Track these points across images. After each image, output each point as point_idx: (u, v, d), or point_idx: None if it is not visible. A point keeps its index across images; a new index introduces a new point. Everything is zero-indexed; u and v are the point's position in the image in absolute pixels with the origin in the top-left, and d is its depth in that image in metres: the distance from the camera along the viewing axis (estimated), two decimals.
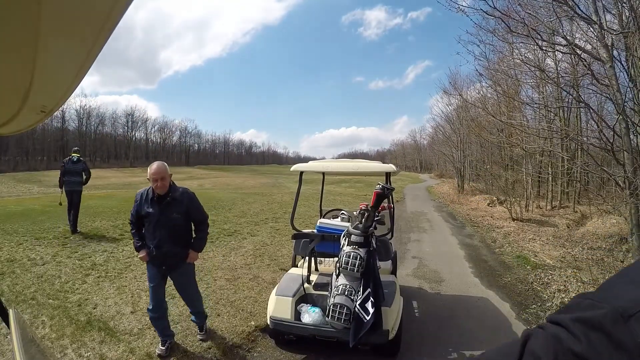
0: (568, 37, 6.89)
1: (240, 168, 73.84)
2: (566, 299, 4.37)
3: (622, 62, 6.44)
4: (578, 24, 7.52)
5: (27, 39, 0.33)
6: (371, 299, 2.60)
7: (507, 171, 14.06)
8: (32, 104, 0.48)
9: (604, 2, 6.43)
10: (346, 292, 2.65)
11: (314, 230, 3.84)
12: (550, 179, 12.32)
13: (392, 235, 3.74)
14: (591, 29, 6.46)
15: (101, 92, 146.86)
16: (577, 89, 7.90)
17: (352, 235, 2.83)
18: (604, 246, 6.99)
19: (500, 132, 12.45)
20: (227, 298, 4.06)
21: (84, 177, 6.69)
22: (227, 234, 7.26)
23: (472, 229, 9.63)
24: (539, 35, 6.56)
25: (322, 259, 3.74)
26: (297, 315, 2.89)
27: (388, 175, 3.53)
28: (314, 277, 3.29)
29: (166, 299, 3.02)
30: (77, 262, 5.01)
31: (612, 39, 6.18)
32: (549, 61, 10.58)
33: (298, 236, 3.67)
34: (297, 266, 3.74)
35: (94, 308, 3.64)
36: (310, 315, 2.83)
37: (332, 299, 2.68)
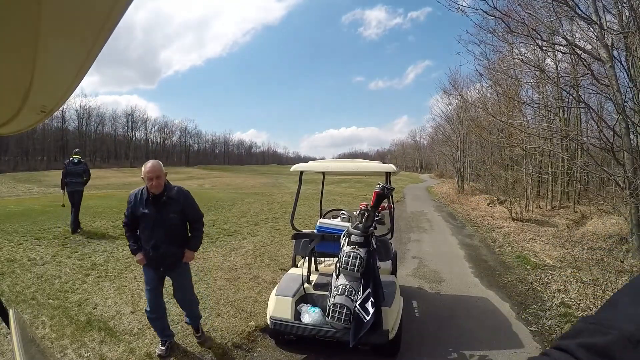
0: (568, 37, 6.90)
1: (240, 168, 73.83)
2: (566, 299, 4.37)
3: (622, 62, 6.45)
4: (578, 24, 7.52)
5: (27, 39, 0.33)
6: (371, 299, 2.59)
7: (507, 171, 14.06)
8: (32, 104, 0.48)
9: (604, 2, 6.43)
10: (346, 292, 2.65)
11: (314, 230, 3.83)
12: (550, 179, 12.32)
13: (392, 235, 3.74)
14: (591, 29, 6.47)
15: (101, 92, 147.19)
16: (577, 89, 7.90)
17: (352, 235, 2.83)
18: (604, 246, 6.99)
19: (500, 132, 12.45)
20: (227, 298, 4.06)
21: (84, 178, 6.80)
22: (227, 234, 7.26)
23: (472, 229, 9.63)
24: (539, 35, 6.57)
25: (322, 259, 3.74)
26: (297, 315, 2.89)
27: (388, 175, 3.54)
28: (314, 277, 3.29)
29: (165, 299, 3.00)
30: (77, 262, 5.01)
31: (612, 39, 6.18)
32: (549, 61, 10.59)
33: (298, 236, 3.67)
34: (297, 266, 3.74)
35: (94, 308, 3.64)
36: (310, 315, 2.83)
37: (332, 299, 2.68)
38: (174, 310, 3.51)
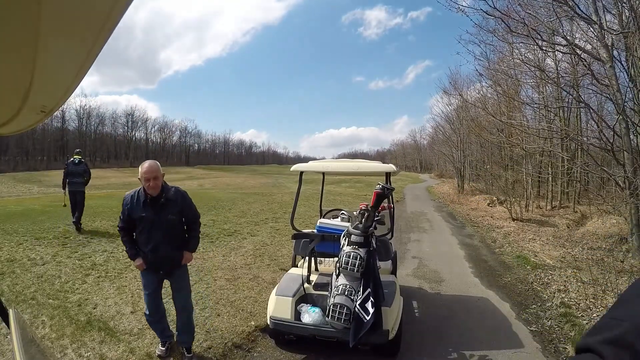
0: (568, 37, 6.90)
1: (240, 168, 73.84)
2: (566, 299, 4.37)
3: (622, 62, 6.45)
4: (578, 24, 7.53)
5: (27, 39, 0.33)
6: (371, 299, 2.60)
7: (507, 171, 14.06)
8: (32, 104, 0.48)
9: (604, 2, 6.43)
10: (346, 292, 2.65)
11: (314, 230, 3.84)
12: (550, 179, 12.32)
13: (392, 235, 3.74)
14: (591, 29, 6.47)
15: (101, 92, 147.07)
16: (577, 89, 7.90)
17: (352, 235, 2.84)
18: (604, 246, 6.99)
19: (500, 132, 12.45)
20: (227, 298, 4.06)
21: (85, 178, 6.91)
22: (227, 234, 7.26)
23: (472, 229, 9.63)
24: (539, 35, 6.57)
25: (322, 259, 3.74)
26: (297, 315, 2.89)
27: (388, 175, 3.54)
28: (314, 277, 3.29)
29: (163, 300, 2.96)
30: (77, 262, 5.01)
31: (612, 39, 6.18)
32: (549, 61, 10.59)
33: (298, 236, 3.67)
34: (297, 266, 3.74)
35: (94, 308, 3.64)
36: (310, 315, 2.83)
37: (332, 299, 2.68)
38: (173, 311, 3.50)
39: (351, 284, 2.69)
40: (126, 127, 76.03)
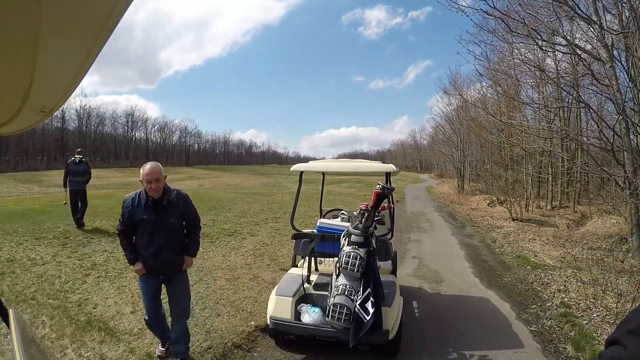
0: (568, 37, 6.90)
1: (240, 168, 73.84)
2: (566, 299, 4.37)
3: (622, 62, 6.45)
4: (578, 24, 7.53)
5: (27, 39, 0.33)
6: (371, 299, 2.60)
7: (507, 171, 14.06)
8: (32, 104, 0.48)
9: (604, 2, 6.43)
10: (346, 292, 2.65)
11: (314, 230, 3.84)
12: (550, 179, 12.32)
13: (392, 235, 3.74)
14: (591, 29, 6.47)
15: (101, 92, 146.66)
16: (577, 89, 7.90)
17: (352, 235, 2.84)
18: (604, 246, 6.99)
19: (500, 132, 12.45)
20: (227, 298, 4.06)
21: (85, 177, 7.03)
22: (227, 234, 7.26)
23: (472, 229, 9.63)
24: (539, 35, 6.57)
25: (322, 259, 3.74)
26: (297, 315, 2.89)
27: (388, 175, 3.54)
28: (314, 277, 3.29)
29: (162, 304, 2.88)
30: (77, 262, 5.01)
31: (612, 39, 6.19)
32: (549, 61, 10.60)
33: (298, 236, 3.67)
34: (297, 266, 3.75)
35: (94, 308, 3.64)
36: (310, 315, 2.83)
37: (332, 299, 2.68)
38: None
39: (351, 284, 2.69)
40: (126, 127, 76.07)
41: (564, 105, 11.29)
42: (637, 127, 6.11)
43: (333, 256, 3.27)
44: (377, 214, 2.96)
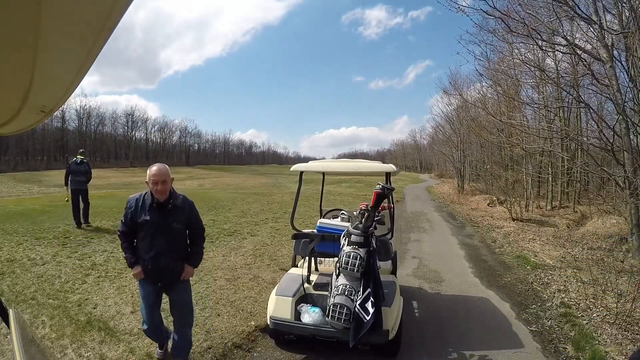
0: (568, 37, 6.90)
1: (240, 168, 73.84)
2: (566, 299, 4.37)
3: (622, 62, 6.45)
4: (578, 24, 7.53)
5: (27, 39, 0.33)
6: (371, 299, 2.60)
7: (507, 171, 14.06)
8: (32, 104, 0.48)
9: (604, 2, 6.43)
10: (346, 292, 2.65)
11: (314, 230, 3.84)
12: (550, 179, 12.32)
13: (392, 235, 3.74)
14: (591, 29, 6.47)
15: (101, 92, 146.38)
16: (577, 89, 7.90)
17: (352, 235, 2.84)
18: (604, 246, 6.99)
19: (500, 132, 12.45)
20: (227, 298, 4.06)
21: (86, 177, 7.19)
22: (227, 234, 7.26)
23: (472, 229, 9.63)
24: (539, 35, 6.57)
25: (322, 259, 3.74)
26: (297, 315, 2.89)
27: (388, 175, 3.54)
28: (314, 277, 3.29)
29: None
30: (77, 262, 5.01)
31: (612, 39, 6.19)
32: (549, 61, 10.60)
33: (298, 236, 3.67)
34: (297, 266, 3.75)
35: (94, 308, 3.64)
36: (310, 315, 2.83)
37: (332, 299, 2.68)
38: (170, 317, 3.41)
39: (351, 284, 2.69)
40: (126, 127, 75.98)
41: (564, 105, 11.29)
42: (637, 127, 6.11)
43: (333, 256, 3.27)
44: (377, 214, 2.96)
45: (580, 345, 3.22)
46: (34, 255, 5.20)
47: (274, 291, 3.15)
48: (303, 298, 3.06)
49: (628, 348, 3.18)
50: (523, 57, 9.32)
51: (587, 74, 6.80)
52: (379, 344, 2.74)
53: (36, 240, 5.97)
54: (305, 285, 3.14)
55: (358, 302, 2.60)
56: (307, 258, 3.34)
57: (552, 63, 10.44)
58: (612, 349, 3.16)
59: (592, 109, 6.92)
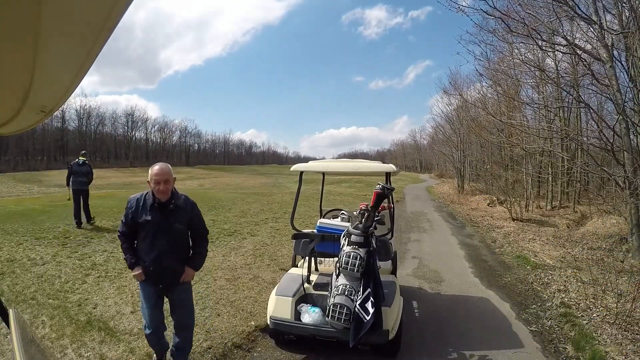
0: (568, 37, 6.90)
1: (240, 168, 73.84)
2: (566, 299, 4.37)
3: (622, 62, 6.45)
4: (578, 24, 7.53)
5: (27, 39, 0.33)
6: (371, 299, 2.60)
7: (507, 171, 14.07)
8: (32, 104, 0.48)
9: (604, 2, 6.44)
10: (346, 292, 2.65)
11: (314, 230, 3.84)
12: (550, 179, 12.33)
13: (392, 235, 3.74)
14: (591, 29, 6.47)
15: (101, 92, 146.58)
16: (577, 89, 7.90)
17: (352, 235, 2.84)
18: (604, 246, 6.99)
19: (500, 132, 12.45)
20: (227, 298, 4.06)
21: (88, 178, 7.35)
22: (227, 234, 7.26)
23: (472, 229, 9.63)
24: (539, 35, 6.57)
25: (322, 259, 3.74)
26: (297, 315, 2.89)
27: (388, 175, 3.54)
28: (314, 277, 3.29)
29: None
30: (77, 262, 5.01)
31: (612, 39, 6.19)
32: (549, 61, 10.60)
33: (298, 236, 3.67)
34: (297, 266, 3.75)
35: (94, 308, 3.64)
36: (310, 315, 2.83)
37: (332, 299, 2.68)
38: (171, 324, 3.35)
39: (351, 284, 2.69)
40: (126, 127, 76.04)
41: (564, 105, 11.29)
42: (637, 127, 6.11)
43: (333, 256, 3.27)
44: (377, 214, 2.96)
45: (580, 345, 3.22)
46: (34, 255, 5.20)
47: (274, 291, 3.15)
48: (303, 298, 3.06)
49: (628, 348, 3.18)
50: (523, 57, 9.32)
51: (587, 74, 6.80)
52: (379, 344, 2.74)
53: (36, 240, 5.98)
54: (305, 285, 3.14)
55: (358, 302, 2.60)
56: (307, 258, 3.34)
57: (552, 63, 10.45)
58: (612, 349, 3.16)
59: (592, 109, 6.93)
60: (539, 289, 4.81)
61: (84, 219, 7.16)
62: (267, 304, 3.19)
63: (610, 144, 5.78)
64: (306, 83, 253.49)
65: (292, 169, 4.07)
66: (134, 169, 51.79)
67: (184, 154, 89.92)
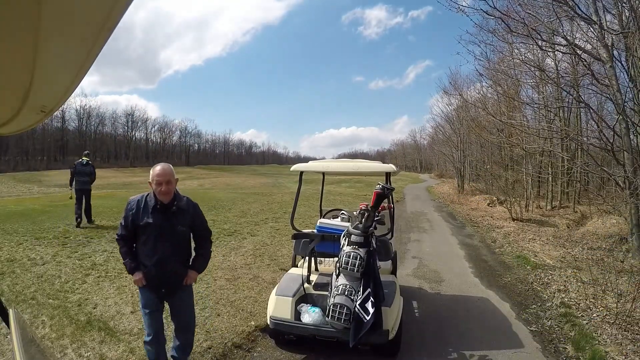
0: (568, 37, 6.90)
1: (240, 168, 73.81)
2: (566, 299, 4.37)
3: (622, 62, 6.45)
4: (578, 24, 7.53)
5: (27, 39, 0.33)
6: (371, 299, 2.60)
7: (507, 171, 14.07)
8: (32, 104, 0.48)
9: (604, 2, 6.43)
10: (346, 292, 2.65)
11: (314, 230, 3.84)
12: (550, 179, 12.32)
13: (392, 235, 3.74)
14: (591, 29, 6.47)
15: (101, 92, 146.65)
16: (577, 89, 7.90)
17: (352, 235, 2.84)
18: (604, 246, 6.99)
19: (500, 132, 12.45)
20: (227, 298, 4.06)
21: (90, 178, 7.46)
22: (227, 234, 7.25)
23: (472, 229, 9.63)
24: (539, 35, 6.57)
25: (322, 259, 3.74)
26: (297, 315, 2.89)
27: (388, 175, 3.54)
28: (314, 277, 3.29)
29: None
30: (77, 262, 5.01)
31: (612, 39, 6.19)
32: (549, 61, 10.60)
33: (298, 236, 3.67)
34: (297, 266, 3.75)
35: (94, 308, 3.64)
36: (310, 315, 2.83)
37: (332, 299, 2.68)
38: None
39: (351, 284, 2.69)
40: (126, 127, 76.00)
41: (564, 105, 11.29)
42: (637, 127, 6.11)
43: (333, 256, 3.27)
44: (377, 214, 2.97)
45: (580, 345, 3.22)
46: (34, 255, 5.20)
47: (274, 291, 3.15)
48: (303, 298, 3.06)
49: (628, 348, 3.18)
50: (523, 57, 9.31)
51: (587, 74, 6.80)
52: (379, 344, 2.74)
53: (36, 240, 5.98)
54: (305, 285, 3.14)
55: (358, 302, 2.60)
56: (307, 258, 3.34)
57: (552, 63, 10.45)
58: (612, 349, 3.16)
59: (592, 109, 6.93)
60: (539, 289, 4.81)
61: (84, 218, 7.20)
62: (267, 304, 3.19)
63: (610, 144, 5.78)
64: (306, 83, 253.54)
65: (292, 169, 4.07)
66: (134, 169, 51.78)
67: (184, 154, 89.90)
